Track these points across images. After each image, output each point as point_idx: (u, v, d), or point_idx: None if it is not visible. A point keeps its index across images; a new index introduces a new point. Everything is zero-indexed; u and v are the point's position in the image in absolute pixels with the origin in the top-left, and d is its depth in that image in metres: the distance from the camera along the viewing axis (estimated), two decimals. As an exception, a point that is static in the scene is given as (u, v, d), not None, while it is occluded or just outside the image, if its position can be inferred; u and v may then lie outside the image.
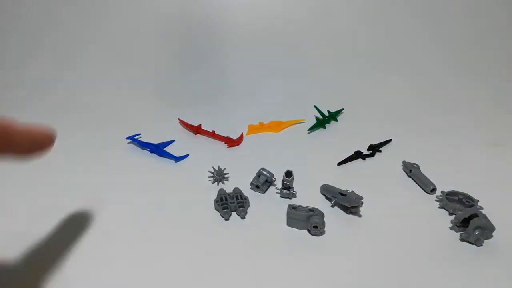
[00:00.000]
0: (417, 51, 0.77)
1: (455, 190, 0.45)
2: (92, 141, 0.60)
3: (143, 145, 0.58)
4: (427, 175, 0.49)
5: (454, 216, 0.42)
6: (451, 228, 0.41)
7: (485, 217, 0.40)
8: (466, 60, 0.75)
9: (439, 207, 0.45)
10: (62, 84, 0.75)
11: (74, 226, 0.44)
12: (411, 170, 0.50)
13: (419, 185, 0.48)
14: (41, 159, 0.59)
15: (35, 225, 0.44)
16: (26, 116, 0.68)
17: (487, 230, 0.39)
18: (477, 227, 0.39)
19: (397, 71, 0.75)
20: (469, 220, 0.39)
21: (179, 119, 0.64)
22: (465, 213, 0.40)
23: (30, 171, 0.54)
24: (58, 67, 0.77)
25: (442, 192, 0.45)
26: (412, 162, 0.51)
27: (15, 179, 0.52)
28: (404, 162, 0.52)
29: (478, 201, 0.43)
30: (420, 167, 0.50)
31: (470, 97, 0.69)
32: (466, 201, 0.43)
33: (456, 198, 0.44)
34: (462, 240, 0.40)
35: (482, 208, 0.42)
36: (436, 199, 0.46)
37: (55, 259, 0.39)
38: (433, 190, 0.47)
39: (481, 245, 0.39)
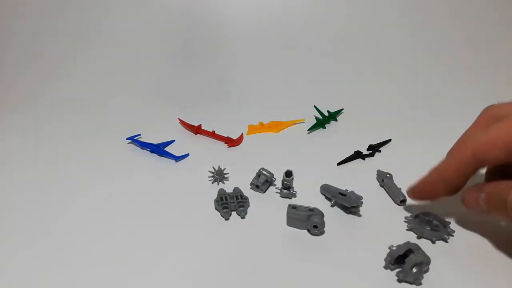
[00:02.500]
0: (417, 51, 0.77)
1: (427, 211, 0.42)
2: (92, 141, 0.60)
3: (143, 145, 0.58)
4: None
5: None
6: (385, 267, 0.37)
7: (419, 248, 0.36)
8: (466, 61, 0.75)
9: (407, 229, 0.42)
10: (61, 84, 0.75)
11: (73, 226, 0.44)
12: (383, 179, 0.48)
13: (389, 195, 0.47)
14: (40, 159, 0.59)
15: (35, 223, 0.44)
16: (24, 116, 0.68)
17: (424, 264, 0.35)
18: (414, 265, 0.35)
19: (398, 71, 0.75)
20: (404, 258, 0.35)
21: (179, 119, 0.64)
22: (399, 249, 0.36)
23: (29, 171, 0.54)
24: (57, 67, 0.77)
25: (411, 215, 0.43)
26: (386, 171, 0.49)
27: (14, 180, 0.52)
28: (378, 171, 0.50)
29: (449, 223, 0.41)
30: (420, 167, 0.49)
31: (470, 97, 0.69)
32: (435, 226, 0.41)
33: (427, 219, 0.42)
34: (399, 281, 0.35)
35: (453, 232, 0.40)
36: (404, 220, 0.43)
37: (54, 259, 0.40)
38: (403, 201, 0.45)
39: (421, 284, 0.35)
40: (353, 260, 0.38)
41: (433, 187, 0.39)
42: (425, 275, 0.35)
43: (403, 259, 0.36)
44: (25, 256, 0.40)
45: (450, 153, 0.39)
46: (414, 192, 0.42)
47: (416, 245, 0.36)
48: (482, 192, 0.36)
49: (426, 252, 0.36)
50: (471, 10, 0.78)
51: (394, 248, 0.36)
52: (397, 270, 0.36)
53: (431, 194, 0.40)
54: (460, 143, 0.39)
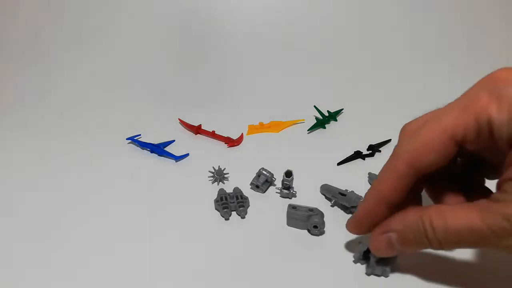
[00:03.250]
0: (418, 51, 0.77)
1: None
2: (92, 142, 0.60)
3: (143, 145, 0.58)
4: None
5: None
6: (354, 262, 0.38)
7: None
8: (466, 61, 0.75)
9: None
10: (61, 84, 0.75)
11: (73, 226, 0.44)
12: None
13: None
14: (39, 159, 0.59)
15: (34, 224, 0.44)
16: (24, 116, 0.68)
17: (391, 258, 0.35)
18: (378, 260, 0.35)
19: (398, 72, 0.75)
20: (369, 253, 0.36)
21: (179, 119, 0.64)
22: (364, 245, 0.36)
23: (28, 171, 0.54)
24: (56, 67, 0.77)
25: None
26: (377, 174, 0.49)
27: (13, 179, 0.52)
28: (369, 173, 0.50)
29: None
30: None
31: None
32: None
33: None
34: (368, 275, 0.36)
35: None
36: None
37: (54, 259, 0.40)
38: None
39: (388, 276, 0.36)
40: (353, 260, 0.38)
41: (375, 212, 0.34)
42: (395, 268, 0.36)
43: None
44: (25, 256, 0.40)
45: (382, 172, 0.34)
46: (357, 225, 0.36)
47: None
48: (390, 232, 0.33)
49: None
50: (471, 10, 0.78)
51: (361, 244, 0.37)
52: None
53: (376, 220, 0.34)
54: (390, 160, 0.34)
